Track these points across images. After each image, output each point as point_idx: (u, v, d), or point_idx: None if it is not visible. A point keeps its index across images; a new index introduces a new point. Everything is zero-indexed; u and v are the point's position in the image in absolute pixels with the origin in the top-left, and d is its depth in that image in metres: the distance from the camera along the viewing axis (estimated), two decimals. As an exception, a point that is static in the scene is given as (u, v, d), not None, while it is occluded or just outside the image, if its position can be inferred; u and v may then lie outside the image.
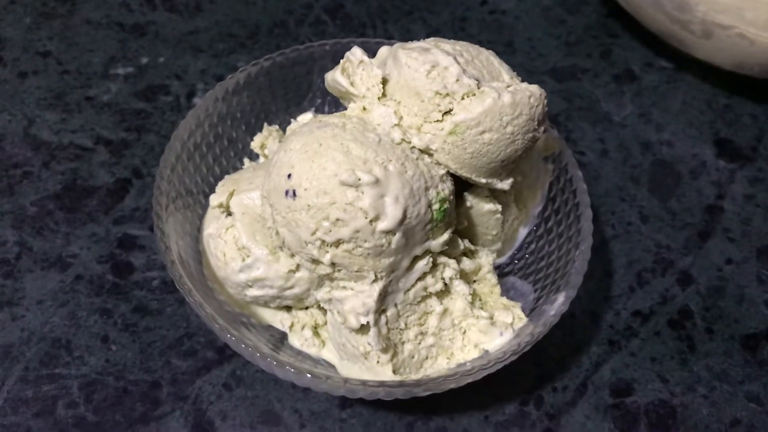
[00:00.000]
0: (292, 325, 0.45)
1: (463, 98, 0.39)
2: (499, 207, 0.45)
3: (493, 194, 0.45)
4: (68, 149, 0.57)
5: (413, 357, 0.43)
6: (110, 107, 0.60)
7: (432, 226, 0.40)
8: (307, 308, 0.45)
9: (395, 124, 0.40)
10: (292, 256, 0.42)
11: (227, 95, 0.50)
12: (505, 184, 0.43)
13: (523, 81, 0.42)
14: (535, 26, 0.69)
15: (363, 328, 0.41)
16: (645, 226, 0.56)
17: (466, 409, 0.46)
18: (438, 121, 0.40)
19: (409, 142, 0.40)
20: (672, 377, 0.49)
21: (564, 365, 0.49)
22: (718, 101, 0.64)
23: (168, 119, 0.59)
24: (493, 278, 0.46)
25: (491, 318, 0.43)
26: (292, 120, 0.51)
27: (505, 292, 0.47)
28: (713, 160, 0.60)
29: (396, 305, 0.41)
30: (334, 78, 0.42)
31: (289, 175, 0.39)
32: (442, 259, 0.42)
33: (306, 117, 0.47)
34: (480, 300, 0.45)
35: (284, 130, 0.52)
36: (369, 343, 0.41)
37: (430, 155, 0.40)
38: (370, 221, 0.38)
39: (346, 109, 0.42)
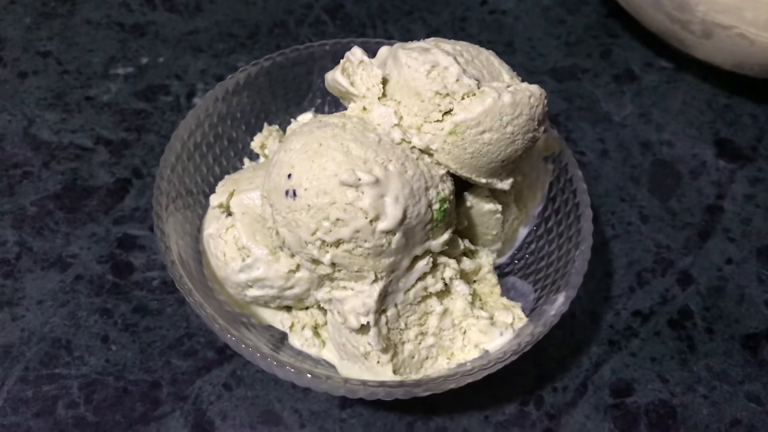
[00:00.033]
0: (292, 326, 0.45)
1: (463, 98, 0.39)
2: (499, 207, 0.45)
3: (493, 194, 0.45)
4: (68, 149, 0.57)
5: (413, 357, 0.43)
6: (110, 107, 0.60)
7: (432, 226, 0.40)
8: (307, 308, 0.45)
9: (395, 124, 0.40)
10: (293, 256, 0.42)
11: (227, 95, 0.50)
12: (505, 184, 0.43)
13: (523, 81, 0.42)
14: (535, 26, 0.69)
15: (363, 328, 0.41)
16: (645, 226, 0.56)
17: (466, 409, 0.46)
18: (438, 121, 0.40)
19: (409, 142, 0.40)
20: (672, 377, 0.49)
21: (564, 365, 0.49)
22: (718, 101, 0.64)
23: (168, 119, 0.59)
24: (493, 278, 0.46)
25: (491, 318, 0.43)
26: (292, 120, 0.52)
27: (506, 292, 0.47)
28: (713, 160, 0.60)
29: (396, 305, 0.41)
30: (334, 78, 0.42)
31: (290, 175, 0.39)
32: (443, 259, 0.42)
33: (306, 117, 0.47)
34: (480, 300, 0.45)
35: (284, 130, 0.52)
36: (369, 343, 0.41)
37: (430, 155, 0.40)
38: (370, 221, 0.38)
39: (346, 109, 0.42)
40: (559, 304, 0.42)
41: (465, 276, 0.44)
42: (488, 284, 0.46)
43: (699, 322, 0.51)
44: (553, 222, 0.48)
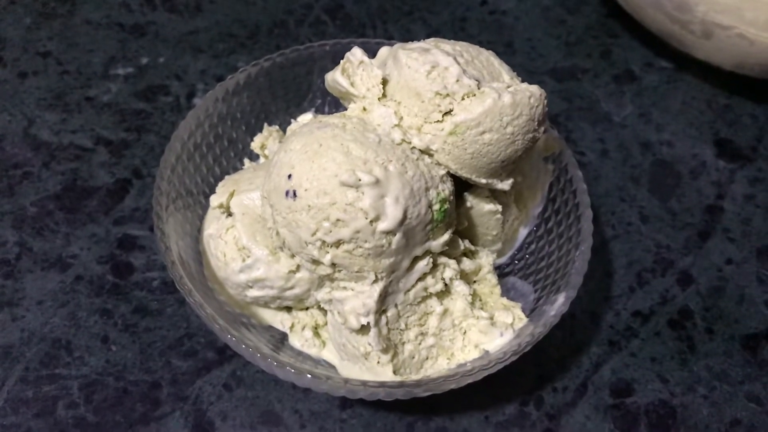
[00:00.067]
0: (292, 326, 0.45)
1: (463, 99, 0.39)
2: (499, 207, 0.45)
3: (494, 194, 0.45)
4: (68, 149, 0.57)
5: (413, 357, 0.43)
6: (110, 107, 0.60)
7: (432, 226, 0.40)
8: (307, 309, 0.45)
9: (395, 125, 0.40)
10: (293, 256, 0.42)
11: (227, 95, 0.50)
12: (505, 185, 0.43)
13: (523, 81, 0.42)
14: (535, 26, 0.69)
15: (363, 329, 0.41)
16: (645, 226, 0.56)
17: (466, 410, 0.46)
18: (438, 121, 0.40)
19: (410, 143, 0.40)
20: (672, 377, 0.49)
21: (564, 365, 0.49)
22: (718, 101, 0.64)
23: (168, 119, 0.59)
24: (493, 278, 0.46)
25: (491, 318, 0.43)
26: (292, 120, 0.51)
27: (506, 292, 0.47)
28: (713, 160, 0.60)
29: (396, 306, 0.41)
30: (335, 78, 0.42)
31: (290, 176, 0.39)
32: (443, 259, 0.42)
33: (306, 117, 0.47)
34: (480, 300, 0.45)
35: (284, 131, 0.52)
36: (369, 344, 0.41)
37: (431, 156, 0.40)
38: (371, 222, 0.38)
39: (346, 109, 0.42)
40: (559, 304, 0.42)
41: (465, 276, 0.44)
42: (488, 284, 0.46)
43: (699, 322, 0.51)
44: (553, 222, 0.48)
